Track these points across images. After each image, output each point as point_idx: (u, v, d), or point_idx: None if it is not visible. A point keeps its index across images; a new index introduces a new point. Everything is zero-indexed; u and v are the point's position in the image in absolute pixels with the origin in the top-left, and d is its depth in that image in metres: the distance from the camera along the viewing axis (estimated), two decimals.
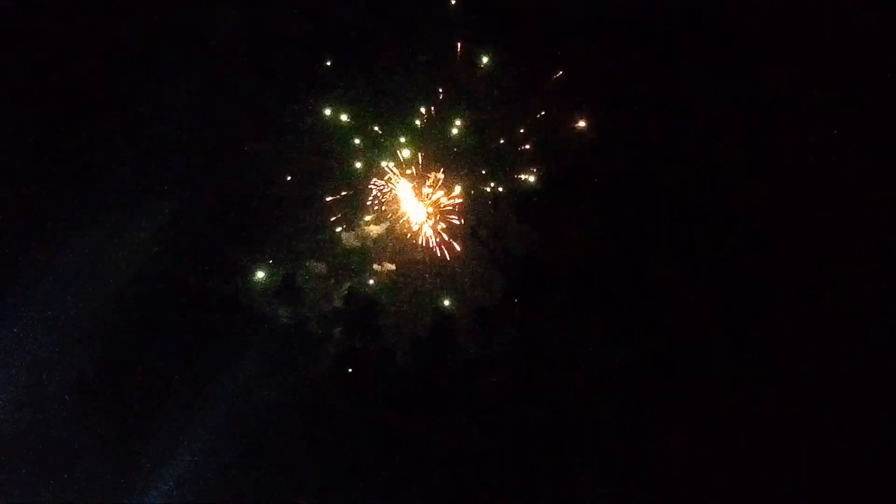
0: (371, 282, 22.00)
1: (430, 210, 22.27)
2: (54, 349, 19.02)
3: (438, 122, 21.89)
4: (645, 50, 20.70)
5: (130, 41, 19.83)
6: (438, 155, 22.11)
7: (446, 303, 21.80)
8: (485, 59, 21.53)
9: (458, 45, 21.44)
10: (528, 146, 21.78)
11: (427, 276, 22.04)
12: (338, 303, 21.51)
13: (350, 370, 20.86)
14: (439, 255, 22.11)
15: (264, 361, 20.14)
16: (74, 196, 19.39)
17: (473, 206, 21.97)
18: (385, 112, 21.67)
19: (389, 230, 22.24)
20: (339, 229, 21.84)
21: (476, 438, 20.49)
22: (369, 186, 22.08)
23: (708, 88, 20.54)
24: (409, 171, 22.21)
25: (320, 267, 21.66)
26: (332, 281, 21.72)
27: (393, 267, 22.13)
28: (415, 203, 22.30)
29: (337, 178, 21.81)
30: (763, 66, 20.45)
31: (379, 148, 21.86)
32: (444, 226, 22.23)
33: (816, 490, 19.05)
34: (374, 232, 22.12)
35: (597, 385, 20.50)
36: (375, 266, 22.20)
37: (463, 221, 21.95)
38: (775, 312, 20.09)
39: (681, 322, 20.49)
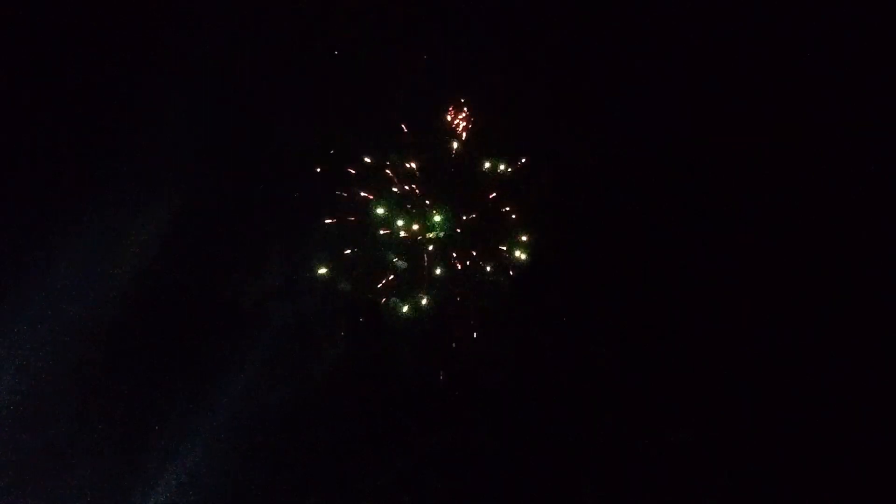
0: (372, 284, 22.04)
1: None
2: (54, 350, 18.97)
3: None
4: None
5: (133, 41, 19.93)
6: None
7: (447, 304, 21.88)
8: None
9: None
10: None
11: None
12: (339, 304, 21.53)
13: (351, 371, 20.87)
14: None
15: (265, 363, 20.14)
16: (75, 197, 19.41)
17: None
18: None
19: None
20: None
21: (477, 440, 20.50)
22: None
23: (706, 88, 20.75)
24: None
25: (322, 268, 21.66)
26: (334, 282, 21.74)
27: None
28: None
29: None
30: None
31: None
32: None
33: (817, 491, 19.08)
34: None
35: (597, 386, 20.55)
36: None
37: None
38: (776, 312, 20.17)
39: (681, 323, 20.57)
